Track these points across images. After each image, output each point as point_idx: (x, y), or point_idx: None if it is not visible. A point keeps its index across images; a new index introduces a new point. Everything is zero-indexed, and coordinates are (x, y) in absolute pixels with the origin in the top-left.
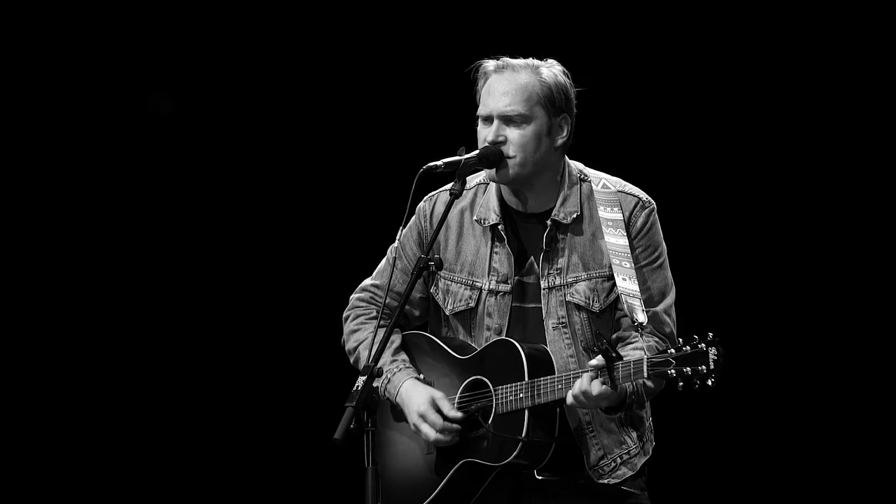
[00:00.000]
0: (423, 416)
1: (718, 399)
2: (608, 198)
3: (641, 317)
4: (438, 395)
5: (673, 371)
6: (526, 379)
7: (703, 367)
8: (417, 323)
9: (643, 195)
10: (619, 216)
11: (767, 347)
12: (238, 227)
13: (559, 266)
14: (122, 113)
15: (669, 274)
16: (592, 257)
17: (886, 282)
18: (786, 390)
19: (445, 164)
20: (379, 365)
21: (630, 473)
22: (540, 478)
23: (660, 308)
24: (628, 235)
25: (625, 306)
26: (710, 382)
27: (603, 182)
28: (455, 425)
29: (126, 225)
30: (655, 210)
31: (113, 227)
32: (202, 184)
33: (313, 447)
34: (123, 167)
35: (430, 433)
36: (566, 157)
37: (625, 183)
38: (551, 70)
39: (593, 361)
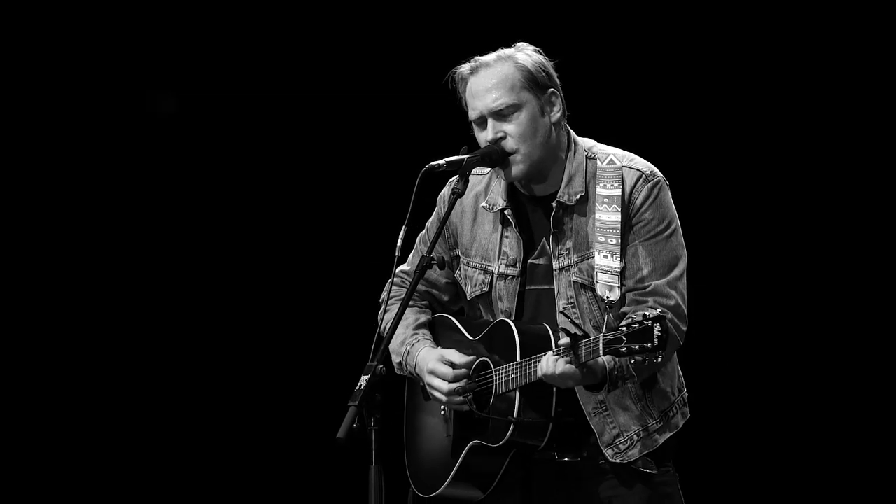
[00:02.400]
0: (433, 372)
1: (754, 377)
2: (611, 174)
3: (612, 294)
4: (449, 350)
5: (624, 348)
6: (518, 359)
7: (649, 343)
8: (453, 308)
9: (647, 168)
10: (618, 192)
11: (771, 342)
12: (240, 226)
13: (568, 247)
14: (125, 113)
15: (680, 246)
16: (596, 237)
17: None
18: (801, 386)
19: (448, 163)
20: (401, 339)
21: (647, 451)
22: (566, 459)
23: (663, 281)
24: (627, 211)
25: (597, 285)
26: (657, 359)
27: (610, 158)
28: (464, 370)
29: (128, 225)
30: (662, 183)
31: (115, 227)
32: (204, 184)
33: (316, 446)
34: (125, 167)
35: (441, 385)
36: (573, 133)
37: (634, 157)
38: (524, 53)
39: (561, 341)
